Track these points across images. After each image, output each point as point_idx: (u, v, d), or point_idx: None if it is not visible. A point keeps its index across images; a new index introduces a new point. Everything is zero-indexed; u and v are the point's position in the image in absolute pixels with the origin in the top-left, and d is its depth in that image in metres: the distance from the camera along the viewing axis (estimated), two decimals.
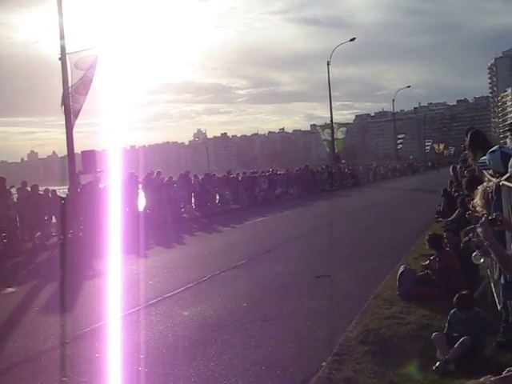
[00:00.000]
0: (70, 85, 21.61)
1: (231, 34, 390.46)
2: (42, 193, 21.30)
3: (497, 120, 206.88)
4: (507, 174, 4.50)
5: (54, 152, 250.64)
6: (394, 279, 9.42)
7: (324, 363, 6.34)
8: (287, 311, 8.94)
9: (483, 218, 4.44)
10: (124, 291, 11.14)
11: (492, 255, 4.27)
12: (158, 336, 7.97)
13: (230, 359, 6.85)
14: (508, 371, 5.82)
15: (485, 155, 6.08)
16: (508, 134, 17.89)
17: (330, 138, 53.72)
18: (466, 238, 9.10)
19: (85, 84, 21.55)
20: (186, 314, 9.15)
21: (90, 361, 7.08)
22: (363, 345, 6.75)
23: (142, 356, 7.10)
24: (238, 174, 36.30)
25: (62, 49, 21.50)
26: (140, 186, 24.86)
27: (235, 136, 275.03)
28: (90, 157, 21.48)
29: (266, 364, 6.61)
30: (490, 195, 5.42)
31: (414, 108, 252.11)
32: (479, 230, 4.29)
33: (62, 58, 21.61)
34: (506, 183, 4.33)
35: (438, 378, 5.68)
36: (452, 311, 6.52)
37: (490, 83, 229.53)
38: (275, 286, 10.91)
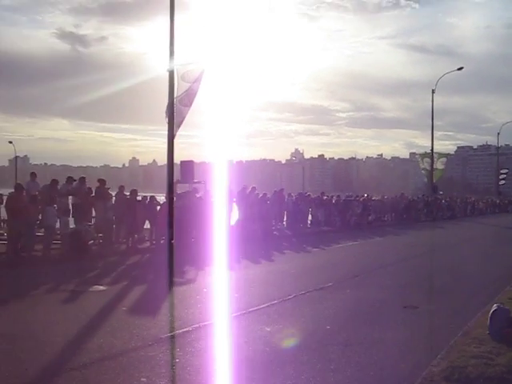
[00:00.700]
0: (175, 96, 22.21)
1: (337, 56, 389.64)
2: (140, 198, 21.95)
3: None
4: None
5: (154, 160, 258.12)
6: (486, 318, 9.04)
7: None
8: (370, 339, 8.76)
9: None
10: (209, 302, 11.31)
11: None
12: (239, 349, 7.98)
13: (307, 380, 6.77)
14: None
15: None
16: None
17: (428, 168, 52.48)
18: None
19: (189, 96, 22.05)
20: (268, 330, 9.14)
21: (169, 365, 7.19)
22: (447, 381, 6.50)
23: (220, 367, 7.13)
24: (332, 197, 36.05)
25: (171, 61, 22.15)
26: (234, 199, 25.15)
27: (332, 158, 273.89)
28: (188, 167, 21.92)
29: None
30: None
31: None
32: None
33: (170, 70, 22.26)
34: None
35: None
36: None
37: None
38: (360, 312, 10.74)
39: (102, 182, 20.79)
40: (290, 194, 31.83)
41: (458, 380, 6.54)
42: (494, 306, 9.05)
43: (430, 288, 13.27)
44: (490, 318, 8.74)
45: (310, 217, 32.74)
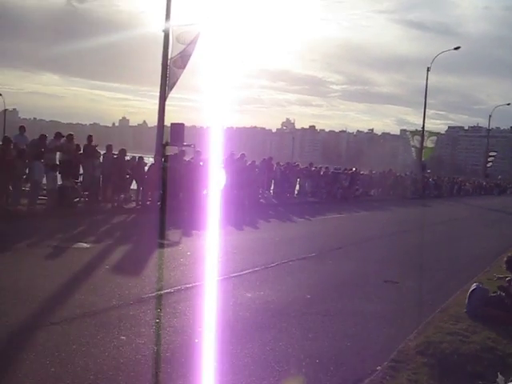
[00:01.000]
0: (169, 57, 22.03)
1: (335, 28, 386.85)
2: (128, 158, 21.87)
3: None
4: None
5: (144, 121, 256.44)
6: (464, 296, 9.17)
7: (379, 367, 6.25)
8: (349, 310, 8.87)
9: None
10: (193, 265, 11.36)
11: None
12: (219, 313, 8.04)
13: (285, 347, 6.85)
14: None
15: None
16: None
17: (418, 145, 52.62)
18: None
19: (183, 58, 21.90)
20: (249, 296, 9.22)
21: (149, 325, 7.24)
22: (422, 356, 6.60)
23: (199, 329, 7.20)
24: (320, 168, 36.06)
25: (166, 22, 21.91)
26: (222, 165, 25.10)
27: (323, 130, 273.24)
28: (178, 129, 21.82)
29: (320, 358, 6.57)
30: None
31: (511, 127, 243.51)
32: None
33: (165, 31, 22.03)
34: None
35: None
36: None
37: None
38: (341, 284, 10.85)
39: (89, 138, 20.63)
40: (278, 163, 31.85)
41: (432, 355, 6.64)
42: (473, 286, 9.17)
43: (412, 264, 13.39)
44: (469, 296, 8.86)
45: (297, 187, 32.80)
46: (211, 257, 12.15)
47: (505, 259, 9.45)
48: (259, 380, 5.83)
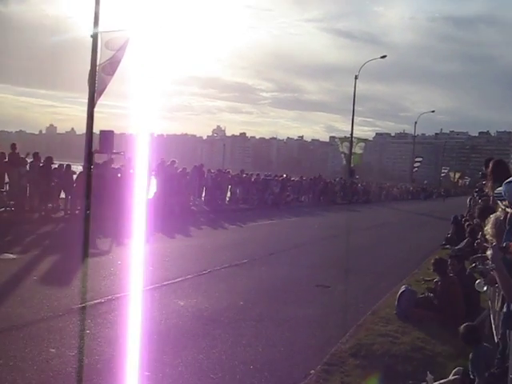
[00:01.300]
0: (97, 63, 21.66)
1: (264, 36, 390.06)
2: (56, 166, 21.37)
3: None
4: None
5: (72, 128, 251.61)
6: (394, 298, 9.36)
7: (313, 371, 6.30)
8: (283, 315, 8.90)
9: (494, 243, 4.47)
10: (123, 274, 11.16)
11: (496, 280, 4.32)
12: (151, 322, 7.93)
13: (219, 354, 6.82)
14: (454, 374, 5.83)
15: None
16: None
17: (347, 152, 53.58)
18: (472, 265, 9.03)
19: (112, 65, 21.55)
20: (182, 304, 9.13)
21: (79, 336, 7.07)
22: (354, 358, 6.70)
23: (131, 339, 7.07)
24: (251, 175, 36.22)
25: (95, 27, 21.55)
26: (153, 172, 24.85)
27: (253, 137, 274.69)
28: (107, 137, 21.44)
29: (254, 364, 6.57)
30: (502, 225, 5.36)
31: (436, 133, 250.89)
32: (489, 252, 4.36)
33: (94, 36, 21.66)
34: None
35: None
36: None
37: None
38: (274, 289, 10.88)
39: (13, 146, 20.05)
40: (209, 170, 31.79)
41: (364, 357, 6.74)
42: (402, 288, 9.37)
43: (343, 268, 13.56)
44: (398, 298, 9.05)
45: (228, 194, 32.81)
46: (142, 265, 11.97)
47: (432, 261, 9.69)
48: None
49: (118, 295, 9.25)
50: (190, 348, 6.96)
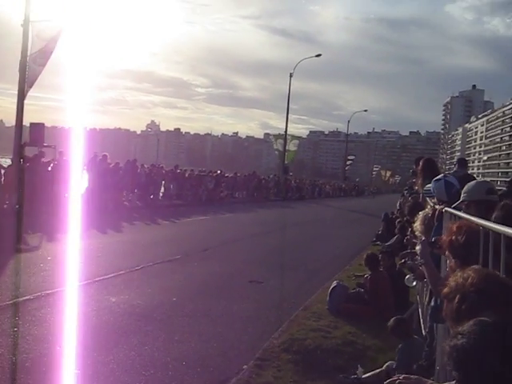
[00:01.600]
0: (28, 54, 21.08)
1: (200, 31, 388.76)
2: None
3: (445, 156, 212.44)
4: (457, 202, 4.62)
5: (1, 120, 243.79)
6: (326, 294, 9.49)
7: (245, 366, 6.33)
8: (216, 311, 8.90)
9: (423, 238, 4.61)
10: (54, 270, 10.91)
11: (425, 275, 4.45)
12: (82, 318, 7.77)
13: (151, 350, 6.76)
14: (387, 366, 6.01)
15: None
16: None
17: (281, 149, 53.97)
18: (402, 261, 9.26)
19: (44, 55, 21.01)
20: (114, 300, 9.01)
21: (7, 334, 6.88)
22: (286, 353, 6.76)
23: (61, 336, 6.93)
24: (185, 171, 36.05)
25: (26, 16, 20.96)
26: (85, 167, 24.39)
27: (188, 133, 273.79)
28: (38, 130, 20.92)
29: (187, 360, 6.55)
30: (430, 221, 5.53)
31: (368, 132, 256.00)
32: (418, 247, 4.50)
33: (25, 26, 21.07)
34: (449, 209, 4.43)
35: None
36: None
37: (443, 120, 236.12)
38: (207, 285, 10.87)
39: None
40: (143, 165, 31.45)
41: (296, 352, 6.82)
42: (334, 283, 9.53)
43: (276, 264, 13.66)
44: (330, 293, 9.18)
45: (162, 189, 32.55)
46: (73, 261, 11.72)
47: (364, 257, 9.88)
48: None
49: (48, 292, 9.05)
50: (121, 345, 6.87)
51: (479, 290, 2.18)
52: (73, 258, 12.05)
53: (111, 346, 6.82)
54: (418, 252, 4.55)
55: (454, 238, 3.27)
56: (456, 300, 2.25)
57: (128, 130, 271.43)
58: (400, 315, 7.23)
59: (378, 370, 6.09)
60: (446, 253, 3.41)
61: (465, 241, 3.15)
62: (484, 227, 2.96)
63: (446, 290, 2.37)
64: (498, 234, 2.75)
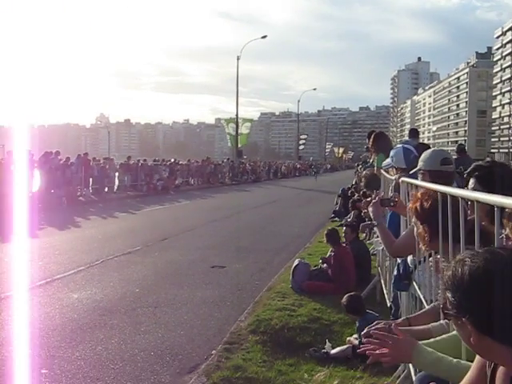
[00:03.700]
0: None
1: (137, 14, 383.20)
2: None
3: (395, 129, 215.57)
4: (414, 170, 4.69)
5: None
6: (288, 273, 9.53)
7: (214, 351, 6.32)
8: (180, 299, 8.87)
9: (376, 199, 4.67)
10: (10, 271, 10.70)
11: (379, 236, 4.54)
12: (45, 318, 7.68)
13: (118, 344, 6.70)
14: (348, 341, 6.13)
15: (387, 157, 6.31)
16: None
17: (233, 133, 53.90)
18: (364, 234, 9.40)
19: None
20: (76, 296, 8.89)
21: None
22: (254, 334, 6.78)
23: (25, 338, 6.81)
24: (138, 161, 35.77)
25: None
26: (35, 165, 23.98)
27: (139, 123, 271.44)
28: None
29: (155, 350, 6.51)
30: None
31: (318, 111, 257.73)
32: (370, 209, 4.54)
33: None
34: (406, 179, 4.48)
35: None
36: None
37: (391, 94, 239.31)
38: (169, 274, 10.81)
39: None
40: (95, 159, 31.08)
41: (263, 332, 6.84)
42: (296, 261, 9.57)
43: (237, 248, 13.67)
44: (292, 272, 9.22)
45: (116, 182, 32.23)
46: (31, 260, 11.54)
47: (325, 233, 9.94)
48: (94, 381, 5.65)
49: (7, 294, 8.87)
50: (87, 341, 6.79)
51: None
52: (30, 257, 11.87)
53: (77, 342, 6.73)
54: (371, 213, 4.62)
55: (419, 204, 3.30)
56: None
57: (77, 125, 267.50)
58: (361, 289, 7.31)
59: (344, 346, 6.17)
60: (413, 219, 3.45)
61: (431, 205, 3.19)
62: (441, 192, 3.00)
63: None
64: (456, 197, 2.79)
